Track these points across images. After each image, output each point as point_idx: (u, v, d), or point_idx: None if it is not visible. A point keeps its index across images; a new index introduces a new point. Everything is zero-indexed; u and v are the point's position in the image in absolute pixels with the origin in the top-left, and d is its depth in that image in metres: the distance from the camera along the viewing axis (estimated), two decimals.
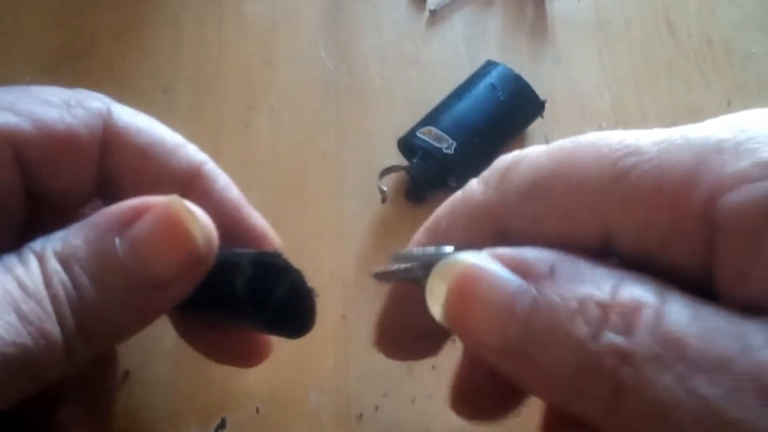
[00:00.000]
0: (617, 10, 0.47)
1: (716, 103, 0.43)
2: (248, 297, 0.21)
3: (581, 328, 0.14)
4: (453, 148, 0.38)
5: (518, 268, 0.15)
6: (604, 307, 0.14)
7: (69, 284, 0.19)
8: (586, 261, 0.15)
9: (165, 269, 0.20)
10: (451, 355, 0.35)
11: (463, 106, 0.39)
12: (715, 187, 0.14)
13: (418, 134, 0.39)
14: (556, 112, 0.43)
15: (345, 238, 0.38)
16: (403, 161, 0.40)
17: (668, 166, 0.15)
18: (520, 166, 0.18)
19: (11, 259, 0.19)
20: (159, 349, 0.34)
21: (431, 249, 0.18)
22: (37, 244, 0.20)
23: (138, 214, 0.20)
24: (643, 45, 0.46)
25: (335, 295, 0.36)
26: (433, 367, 0.34)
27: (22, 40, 0.45)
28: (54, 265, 0.19)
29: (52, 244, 0.20)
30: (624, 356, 0.13)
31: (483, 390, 0.21)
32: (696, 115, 0.43)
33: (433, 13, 0.46)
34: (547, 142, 0.42)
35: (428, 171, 0.38)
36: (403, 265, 0.18)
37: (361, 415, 0.33)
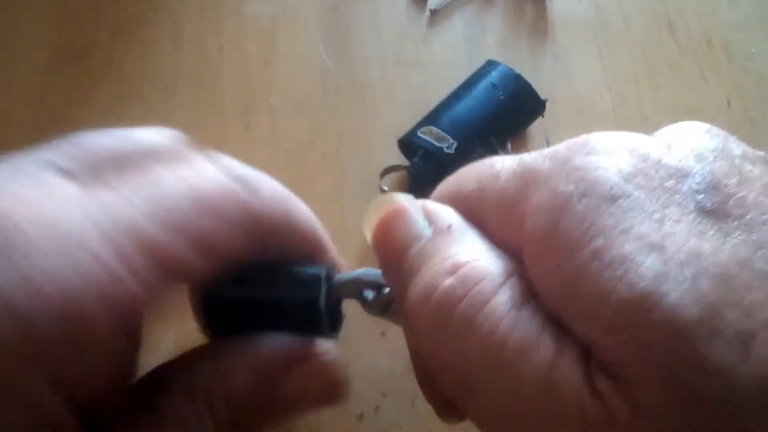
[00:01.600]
0: (617, 10, 0.47)
1: (716, 103, 0.43)
2: (324, 309, 0.23)
3: (428, 278, 0.17)
4: (453, 148, 0.38)
5: (429, 217, 0.19)
6: (455, 267, 0.17)
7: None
8: (479, 232, 0.19)
9: (308, 410, 0.24)
10: None
11: (463, 106, 0.39)
12: (522, 214, 0.17)
13: (418, 134, 0.39)
14: (556, 111, 0.43)
15: (345, 237, 0.38)
16: (403, 161, 0.40)
17: (505, 191, 0.18)
18: (455, 179, 0.23)
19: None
20: (160, 349, 0.34)
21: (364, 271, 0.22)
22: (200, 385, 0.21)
23: (299, 359, 0.23)
24: (643, 45, 0.46)
25: None
26: None
27: (22, 40, 0.45)
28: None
29: (215, 387, 0.21)
30: (445, 314, 0.17)
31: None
32: (696, 114, 0.44)
33: (434, 12, 0.46)
34: (547, 141, 0.42)
35: (429, 170, 0.38)
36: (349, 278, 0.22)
37: (361, 415, 0.33)
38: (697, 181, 0.16)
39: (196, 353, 0.23)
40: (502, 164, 0.20)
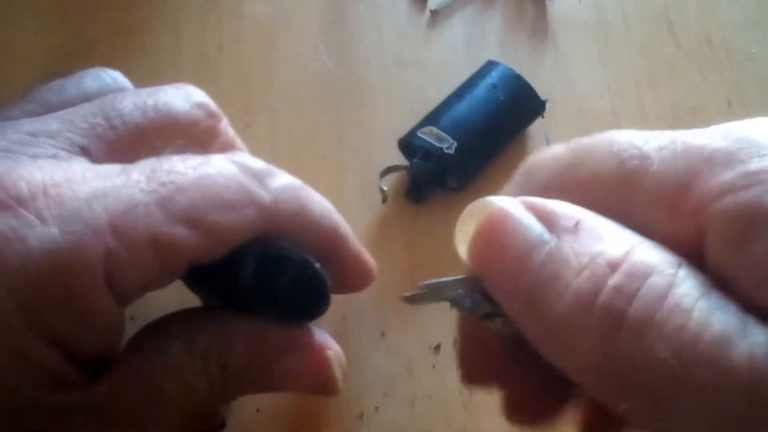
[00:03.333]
0: (617, 10, 0.47)
1: (716, 103, 0.43)
2: (253, 288, 0.22)
3: (583, 284, 0.14)
4: (453, 148, 0.38)
5: (545, 218, 0.16)
6: (612, 265, 0.14)
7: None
8: (613, 222, 0.16)
9: (297, 392, 0.25)
10: (450, 355, 0.35)
11: (463, 106, 0.39)
12: (703, 197, 0.15)
13: (418, 134, 0.39)
14: (556, 111, 0.43)
15: None
16: (403, 161, 0.40)
17: (666, 174, 0.16)
18: (543, 163, 0.19)
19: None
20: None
21: (452, 278, 0.19)
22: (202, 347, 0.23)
23: (294, 345, 0.24)
24: (643, 45, 0.46)
25: (335, 296, 0.36)
26: (434, 366, 0.34)
27: (22, 40, 0.45)
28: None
29: (213, 350, 0.23)
30: (616, 318, 0.14)
31: (534, 394, 0.21)
32: (696, 115, 0.44)
33: (434, 13, 0.46)
34: (547, 141, 0.42)
35: (429, 171, 0.38)
36: (432, 285, 0.19)
37: (361, 415, 0.33)
38: None
39: (201, 314, 0.24)
40: (645, 144, 0.17)
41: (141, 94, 0.25)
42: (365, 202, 0.40)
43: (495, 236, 0.16)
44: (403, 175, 0.40)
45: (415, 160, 0.39)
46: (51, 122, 0.22)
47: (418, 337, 0.35)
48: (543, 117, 0.42)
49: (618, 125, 0.43)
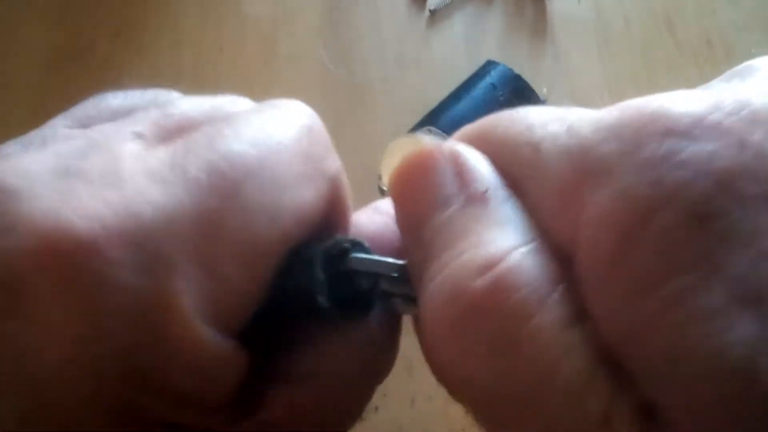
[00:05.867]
0: (617, 10, 0.47)
1: None
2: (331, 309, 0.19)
3: (457, 266, 0.14)
4: None
5: (461, 174, 0.15)
6: (487, 264, 0.13)
7: None
8: (517, 202, 0.15)
9: None
10: None
11: (463, 106, 0.39)
12: (579, 212, 0.14)
13: (418, 134, 0.39)
14: None
15: None
16: None
17: (551, 174, 0.14)
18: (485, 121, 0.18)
19: None
20: None
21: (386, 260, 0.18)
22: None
23: None
24: (643, 45, 0.46)
25: None
26: None
27: (22, 40, 0.45)
28: None
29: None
30: (470, 328, 0.13)
31: None
32: None
33: (433, 13, 0.46)
34: None
35: None
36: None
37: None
38: None
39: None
40: (543, 129, 0.15)
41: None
42: (365, 202, 0.40)
43: (411, 179, 0.16)
44: None
45: None
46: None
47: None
48: None
49: None
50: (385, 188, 0.39)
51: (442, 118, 0.39)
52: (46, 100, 0.43)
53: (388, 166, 0.17)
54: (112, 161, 0.15)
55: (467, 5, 0.47)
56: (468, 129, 0.18)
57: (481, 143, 0.16)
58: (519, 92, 0.40)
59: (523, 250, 0.14)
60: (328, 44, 0.45)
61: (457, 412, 0.33)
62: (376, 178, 0.39)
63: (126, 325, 0.14)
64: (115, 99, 0.20)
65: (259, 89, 0.44)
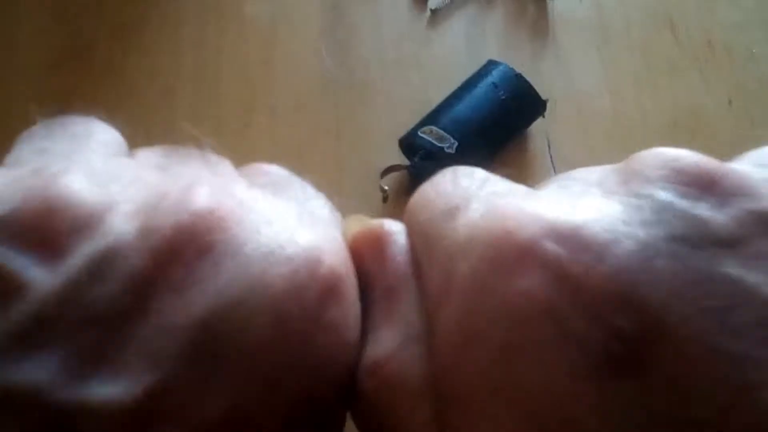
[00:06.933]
0: (618, 10, 0.47)
1: (716, 103, 0.43)
2: None
3: (363, 367, 0.15)
4: (454, 148, 0.38)
5: (383, 264, 0.16)
6: (374, 366, 0.14)
7: None
8: (408, 298, 0.15)
9: None
10: None
11: (464, 106, 0.39)
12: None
13: (419, 133, 0.39)
14: (556, 111, 0.43)
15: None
16: (404, 161, 0.40)
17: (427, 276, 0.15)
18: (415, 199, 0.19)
19: None
20: None
21: None
22: None
23: None
24: (643, 45, 0.46)
25: None
26: None
27: (22, 40, 0.45)
28: None
29: None
30: (372, 410, 0.14)
31: None
32: (696, 115, 0.44)
33: (434, 12, 0.46)
34: (548, 141, 0.42)
35: (429, 171, 0.38)
36: None
37: None
38: None
39: None
40: (445, 219, 0.15)
41: None
42: (365, 202, 0.40)
43: (360, 253, 0.16)
44: (404, 174, 0.40)
45: (415, 160, 0.38)
46: None
47: None
48: (544, 117, 0.42)
49: (618, 125, 0.43)
50: (385, 188, 0.39)
51: (442, 117, 0.39)
52: (46, 100, 0.43)
53: (350, 228, 0.18)
54: (287, 206, 0.16)
55: (468, 5, 0.47)
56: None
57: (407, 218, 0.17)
58: (520, 92, 0.40)
59: (405, 348, 0.14)
60: (328, 44, 0.45)
61: None
62: (376, 177, 0.39)
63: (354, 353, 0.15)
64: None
65: (259, 89, 0.44)
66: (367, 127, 0.42)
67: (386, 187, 0.39)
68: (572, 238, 0.12)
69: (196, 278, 0.12)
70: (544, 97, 0.41)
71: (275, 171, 0.20)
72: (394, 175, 0.40)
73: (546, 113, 0.41)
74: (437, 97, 0.41)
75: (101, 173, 0.14)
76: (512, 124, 0.41)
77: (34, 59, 0.44)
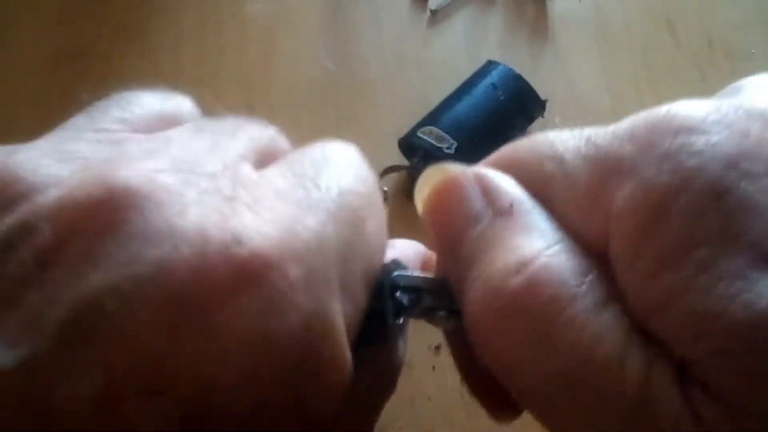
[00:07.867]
0: (617, 11, 0.47)
1: None
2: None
3: (493, 276, 0.15)
4: (454, 148, 0.38)
5: (487, 192, 0.17)
6: (520, 265, 0.15)
7: None
8: (541, 211, 0.17)
9: None
10: (450, 356, 0.35)
11: (463, 106, 0.39)
12: (609, 206, 0.15)
13: (418, 134, 0.39)
14: (556, 111, 0.43)
15: None
16: (403, 161, 0.40)
17: (577, 179, 0.16)
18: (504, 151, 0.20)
19: None
20: None
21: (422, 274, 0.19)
22: None
23: None
24: (643, 45, 0.46)
25: None
26: (433, 367, 0.34)
27: (22, 40, 0.45)
28: None
29: None
30: (510, 323, 0.15)
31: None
32: None
33: (434, 13, 0.46)
34: None
35: None
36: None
37: None
38: None
39: None
40: (563, 145, 0.17)
41: None
42: None
43: (443, 203, 0.18)
44: (404, 174, 0.40)
45: (415, 160, 0.39)
46: None
47: (418, 337, 0.34)
48: (543, 117, 0.42)
49: None
50: (385, 188, 0.39)
51: (442, 118, 0.39)
52: (45, 100, 0.43)
53: (420, 198, 0.19)
54: (242, 180, 0.15)
55: (468, 5, 0.47)
56: (492, 156, 0.19)
57: (505, 165, 0.18)
58: (519, 92, 0.40)
59: (550, 251, 0.15)
60: (328, 44, 0.45)
61: (457, 412, 0.33)
62: (377, 177, 0.39)
63: (294, 347, 0.14)
64: (138, 104, 0.19)
65: (259, 89, 0.44)
66: (367, 127, 0.42)
67: (386, 188, 0.39)
68: None
69: (96, 253, 0.12)
70: (543, 97, 0.41)
71: (312, 150, 0.20)
72: (393, 175, 0.40)
73: (545, 113, 0.41)
74: (437, 97, 0.41)
75: (63, 152, 0.14)
76: (512, 125, 0.41)
77: (34, 59, 0.44)
